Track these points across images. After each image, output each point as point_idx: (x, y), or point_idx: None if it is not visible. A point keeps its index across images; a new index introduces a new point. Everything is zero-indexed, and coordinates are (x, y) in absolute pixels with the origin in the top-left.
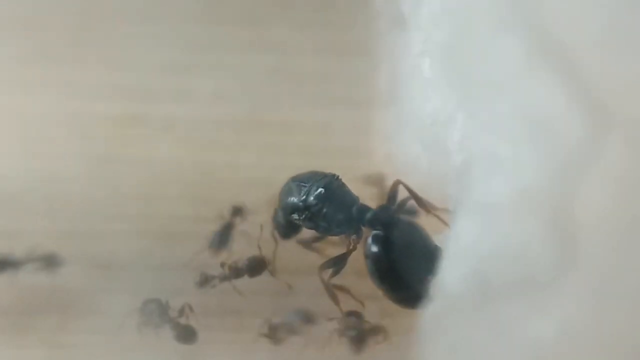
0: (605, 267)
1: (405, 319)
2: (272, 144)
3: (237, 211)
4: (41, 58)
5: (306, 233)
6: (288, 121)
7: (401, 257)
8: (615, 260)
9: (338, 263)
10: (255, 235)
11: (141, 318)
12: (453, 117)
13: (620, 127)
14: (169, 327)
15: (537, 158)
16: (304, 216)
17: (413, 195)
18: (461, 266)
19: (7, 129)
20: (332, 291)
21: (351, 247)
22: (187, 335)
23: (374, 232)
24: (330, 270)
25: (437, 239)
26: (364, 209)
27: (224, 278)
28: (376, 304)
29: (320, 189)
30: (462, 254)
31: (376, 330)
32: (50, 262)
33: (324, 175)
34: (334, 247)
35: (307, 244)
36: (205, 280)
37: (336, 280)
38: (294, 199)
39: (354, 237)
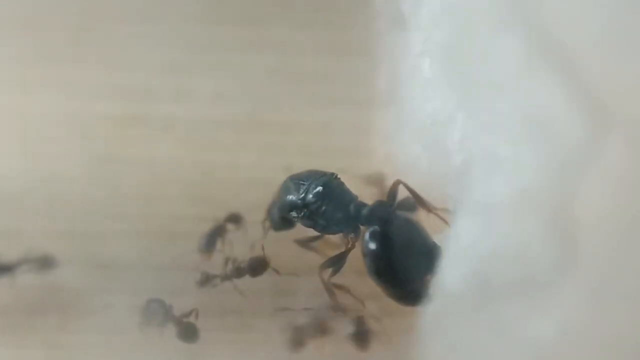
0: (605, 267)
1: (405, 318)
2: (272, 144)
3: (233, 218)
4: (41, 58)
5: (303, 232)
6: (288, 121)
7: (399, 253)
8: (615, 260)
9: (337, 262)
10: (254, 235)
11: (143, 317)
12: (453, 117)
13: (620, 127)
14: (171, 326)
15: (537, 158)
16: (302, 214)
17: (413, 194)
18: (461, 266)
19: (7, 129)
20: (332, 291)
21: (350, 246)
22: (189, 333)
23: (371, 228)
24: (329, 270)
25: (437, 239)
26: (361, 206)
27: (225, 277)
28: (376, 303)
29: (318, 187)
30: (462, 253)
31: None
32: (45, 263)
33: (323, 174)
34: (332, 246)
35: (305, 243)
36: (206, 280)
37: (336, 279)
38: (292, 197)
39: (352, 235)
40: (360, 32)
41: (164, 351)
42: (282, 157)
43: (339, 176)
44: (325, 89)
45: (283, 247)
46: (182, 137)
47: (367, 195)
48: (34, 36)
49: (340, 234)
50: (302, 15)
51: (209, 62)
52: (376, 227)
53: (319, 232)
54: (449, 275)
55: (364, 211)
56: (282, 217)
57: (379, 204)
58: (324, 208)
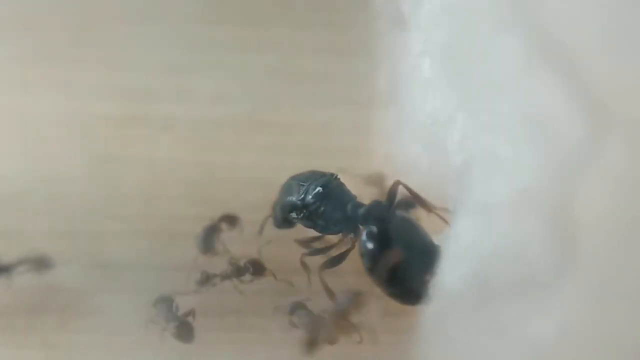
0: (605, 267)
1: (405, 318)
2: (272, 144)
3: (227, 218)
4: (42, 58)
5: (304, 232)
6: (288, 121)
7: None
8: (615, 260)
9: (337, 262)
10: (253, 234)
11: (150, 315)
12: (453, 117)
13: (620, 127)
14: (172, 326)
15: (537, 158)
16: (302, 215)
17: (413, 195)
18: (461, 266)
19: (7, 129)
20: (332, 291)
21: (349, 246)
22: (185, 332)
23: (368, 228)
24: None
25: (437, 239)
26: (358, 206)
27: (225, 276)
28: (376, 303)
29: (318, 188)
30: (462, 253)
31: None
32: (41, 263)
33: (323, 175)
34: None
35: (305, 244)
36: (206, 279)
37: (336, 280)
38: (292, 198)
39: (351, 235)
40: (360, 32)
41: (163, 351)
42: (282, 157)
43: (338, 176)
44: (325, 89)
45: (283, 247)
46: (182, 137)
47: (367, 195)
48: (34, 36)
49: (340, 234)
50: (302, 15)
51: (209, 62)
52: (373, 227)
53: (318, 232)
54: (449, 275)
55: (361, 211)
56: (283, 216)
57: (376, 204)
58: (322, 209)
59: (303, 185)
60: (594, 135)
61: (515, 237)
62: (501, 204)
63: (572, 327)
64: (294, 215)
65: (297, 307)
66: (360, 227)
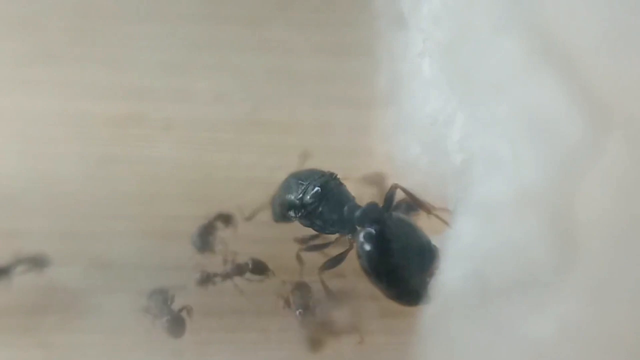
0: (605, 266)
1: (404, 319)
2: (272, 143)
3: (222, 217)
4: (41, 58)
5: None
6: (288, 121)
7: (393, 252)
8: (615, 260)
9: (337, 263)
10: (254, 234)
11: (145, 306)
12: (453, 117)
13: (620, 127)
14: (164, 320)
15: (537, 158)
16: (300, 214)
17: (412, 197)
18: (461, 266)
19: (6, 129)
20: (332, 291)
21: (348, 247)
22: (176, 326)
23: (365, 229)
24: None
25: (437, 239)
26: (354, 207)
27: (226, 275)
28: (376, 303)
29: (317, 188)
30: (462, 253)
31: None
32: (38, 262)
33: (322, 174)
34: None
35: (302, 241)
36: (206, 278)
37: (336, 281)
38: (291, 196)
39: (349, 236)
40: (361, 32)
41: (163, 351)
42: (282, 157)
43: (338, 176)
44: (325, 89)
45: (283, 247)
46: (181, 136)
47: (367, 195)
48: (33, 36)
49: (337, 235)
50: (302, 15)
51: (208, 62)
52: (369, 229)
53: (316, 231)
54: (449, 275)
55: (357, 212)
56: (282, 213)
57: (372, 205)
58: (320, 209)
59: (302, 184)
60: (593, 135)
61: (515, 237)
62: (501, 203)
63: (572, 327)
64: (292, 214)
65: (299, 288)
66: (358, 228)
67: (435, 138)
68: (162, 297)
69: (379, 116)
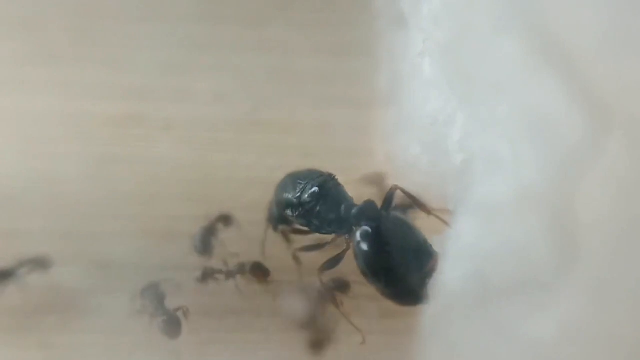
0: (606, 266)
1: (405, 319)
2: (272, 143)
3: (223, 219)
4: (41, 58)
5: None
6: (288, 121)
7: (390, 251)
8: (616, 259)
9: (335, 264)
10: (253, 234)
11: (139, 304)
12: (453, 116)
13: (620, 127)
14: (160, 320)
15: (537, 158)
16: (297, 213)
17: (412, 199)
18: (461, 266)
19: (6, 129)
20: (331, 292)
21: (345, 247)
22: (172, 327)
23: (361, 228)
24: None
25: (437, 239)
26: (351, 207)
27: (229, 274)
28: (376, 304)
29: (314, 188)
30: (462, 253)
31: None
32: (41, 264)
33: (321, 174)
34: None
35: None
36: (210, 273)
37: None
38: (289, 195)
39: (346, 236)
40: (361, 32)
41: (163, 351)
42: (282, 157)
43: (336, 177)
44: (325, 89)
45: (283, 247)
46: (181, 136)
47: (367, 196)
48: (33, 36)
49: (334, 235)
50: (302, 15)
51: (208, 62)
52: (365, 228)
53: (313, 231)
54: (449, 275)
55: (354, 212)
56: (281, 216)
57: (368, 203)
58: (318, 209)
59: (300, 184)
60: (594, 135)
61: (516, 236)
62: (501, 203)
63: (572, 327)
64: (289, 213)
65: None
66: (354, 228)
67: (435, 138)
68: (155, 295)
69: (379, 116)
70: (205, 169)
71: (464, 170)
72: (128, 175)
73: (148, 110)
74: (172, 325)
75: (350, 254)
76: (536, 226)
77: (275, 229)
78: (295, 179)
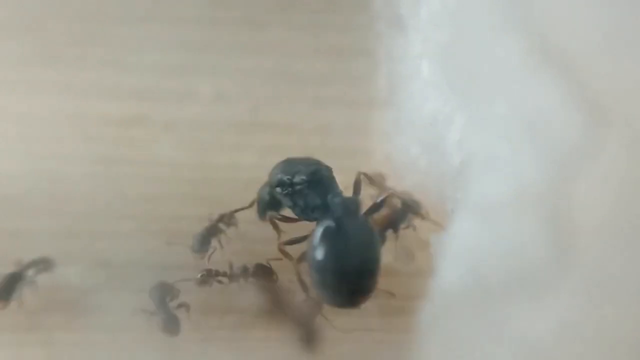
0: (604, 266)
1: (403, 317)
2: (273, 144)
3: (225, 218)
4: (43, 59)
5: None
6: (288, 122)
7: (335, 253)
8: (613, 259)
9: (297, 241)
10: (253, 235)
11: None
12: (452, 117)
13: (618, 127)
14: (159, 318)
15: (536, 158)
16: (286, 191)
17: (406, 204)
18: (459, 266)
19: (10, 129)
20: (306, 284)
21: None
22: (171, 325)
23: (324, 221)
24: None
25: (436, 238)
26: (335, 197)
27: (232, 277)
28: (375, 301)
29: (309, 171)
30: (460, 253)
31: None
32: (46, 265)
33: (318, 162)
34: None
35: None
36: (212, 275)
37: None
38: (282, 175)
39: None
40: (360, 33)
41: (165, 349)
42: (282, 157)
43: (332, 170)
44: (325, 90)
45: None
46: (183, 137)
47: (366, 196)
48: (35, 36)
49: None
50: (302, 17)
51: (209, 64)
52: (329, 222)
53: (296, 214)
54: (448, 275)
55: (334, 202)
56: (271, 198)
57: (348, 200)
58: (306, 191)
59: (296, 167)
60: (592, 136)
61: (514, 236)
62: (500, 203)
63: (570, 326)
64: (279, 190)
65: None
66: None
67: (434, 138)
68: (160, 294)
69: (378, 117)
70: (206, 169)
71: (463, 171)
72: (130, 176)
73: (149, 111)
74: (171, 323)
75: None
76: (534, 226)
77: (261, 214)
78: (292, 162)
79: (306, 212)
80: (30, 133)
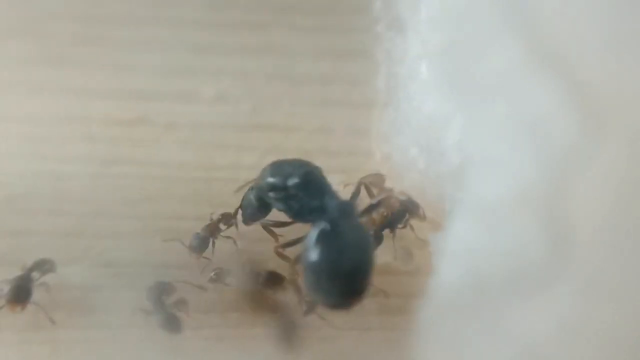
0: (601, 266)
1: (403, 316)
2: (273, 145)
3: (225, 218)
4: (46, 60)
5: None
6: (288, 123)
7: (329, 256)
8: (611, 259)
9: (293, 244)
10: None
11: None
12: (450, 118)
13: (616, 129)
14: (159, 317)
15: (534, 159)
16: (280, 195)
17: (404, 205)
18: (458, 265)
19: (12, 130)
20: (298, 284)
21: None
22: (171, 324)
23: (320, 223)
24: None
25: (435, 239)
26: (333, 197)
27: (244, 277)
28: (374, 300)
29: (303, 172)
30: (459, 253)
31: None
32: (48, 266)
33: (308, 163)
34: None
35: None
36: (222, 274)
37: None
38: (274, 179)
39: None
40: (360, 35)
41: (167, 347)
42: (283, 158)
43: (322, 170)
44: (325, 92)
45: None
46: (184, 138)
47: (366, 196)
48: (37, 38)
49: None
50: (302, 19)
51: (211, 65)
52: (324, 225)
53: (290, 218)
54: (447, 275)
55: (331, 204)
56: (259, 199)
57: (345, 203)
58: (302, 193)
59: (288, 169)
60: (590, 137)
61: (512, 236)
62: (498, 204)
63: (568, 325)
64: (272, 194)
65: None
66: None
67: (433, 139)
68: (156, 293)
69: (377, 118)
70: (207, 170)
71: (462, 171)
72: (132, 176)
73: (151, 112)
74: (171, 321)
75: None
76: (533, 226)
77: (248, 219)
78: (281, 164)
79: (301, 215)
80: (32, 134)
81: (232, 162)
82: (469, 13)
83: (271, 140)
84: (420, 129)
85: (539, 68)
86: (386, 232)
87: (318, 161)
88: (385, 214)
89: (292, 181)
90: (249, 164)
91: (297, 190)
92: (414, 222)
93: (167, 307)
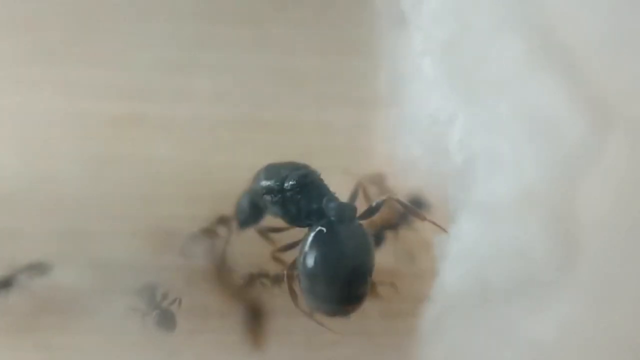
0: (606, 267)
1: (406, 319)
2: (272, 143)
3: (223, 221)
4: (40, 57)
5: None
6: (288, 121)
7: (328, 259)
8: (616, 260)
9: (289, 248)
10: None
11: (135, 302)
12: (454, 116)
13: (621, 127)
14: (154, 314)
15: (538, 158)
16: (276, 198)
17: (405, 207)
18: (462, 266)
19: (6, 128)
20: (295, 291)
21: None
22: (166, 320)
23: (317, 226)
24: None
25: (438, 240)
26: (331, 201)
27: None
28: (377, 304)
29: (300, 175)
30: (462, 254)
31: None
32: (39, 269)
33: (305, 166)
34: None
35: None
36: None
37: None
38: (270, 182)
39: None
40: (361, 31)
41: (162, 351)
42: (282, 157)
43: (319, 173)
44: (326, 89)
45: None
46: (181, 136)
47: (363, 201)
48: (32, 35)
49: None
50: (302, 14)
51: (208, 62)
52: (321, 228)
53: (287, 222)
54: (450, 276)
55: (331, 204)
56: (253, 204)
57: (345, 206)
58: (299, 197)
59: (283, 172)
60: (594, 135)
61: (516, 237)
62: (502, 203)
63: (573, 328)
64: (268, 198)
65: None
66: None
67: (436, 138)
68: (148, 292)
69: (379, 116)
70: (205, 169)
71: (465, 170)
72: (128, 175)
73: (148, 110)
74: (166, 317)
75: None
76: (537, 226)
77: (242, 224)
78: (277, 167)
79: (299, 219)
80: (27, 132)
81: (229, 160)
82: (472, 9)
83: (271, 138)
84: (423, 127)
85: (544, 65)
86: (388, 233)
87: (319, 160)
88: (386, 215)
89: (289, 183)
90: (247, 162)
91: (294, 193)
92: (417, 223)
93: (160, 305)
